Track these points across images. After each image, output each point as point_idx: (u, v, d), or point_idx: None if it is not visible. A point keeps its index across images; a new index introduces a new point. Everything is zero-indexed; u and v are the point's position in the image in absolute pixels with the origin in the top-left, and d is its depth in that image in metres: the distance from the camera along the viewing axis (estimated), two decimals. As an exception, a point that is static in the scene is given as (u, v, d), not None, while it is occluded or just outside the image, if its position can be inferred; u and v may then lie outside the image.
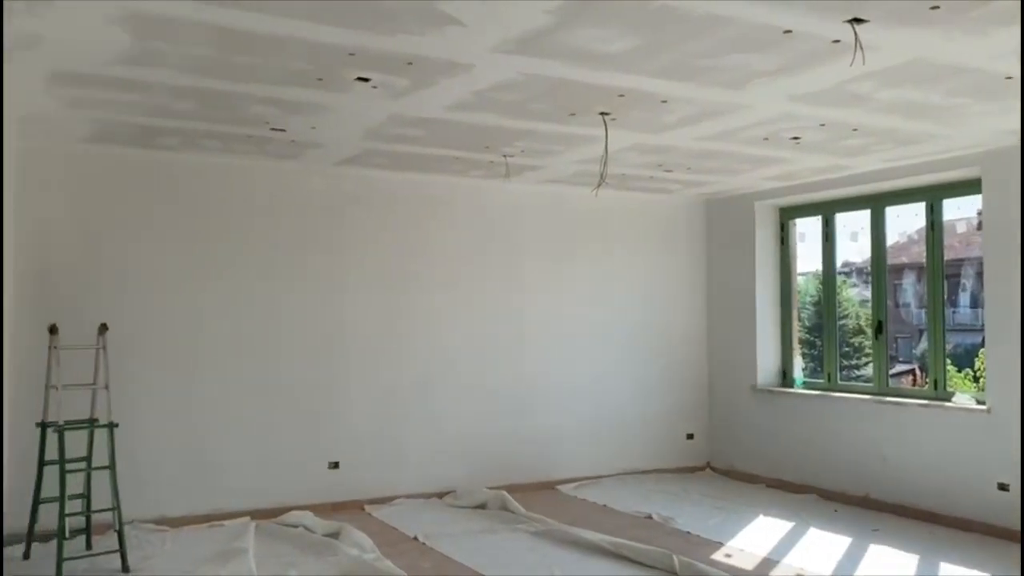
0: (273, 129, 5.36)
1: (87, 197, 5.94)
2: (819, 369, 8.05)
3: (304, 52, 3.81)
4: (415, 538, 5.75)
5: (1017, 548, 5.48)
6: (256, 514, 6.22)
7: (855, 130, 5.40)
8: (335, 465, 6.67)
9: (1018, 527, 5.65)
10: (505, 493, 6.68)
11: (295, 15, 3.36)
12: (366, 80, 4.27)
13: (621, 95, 4.53)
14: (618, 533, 5.73)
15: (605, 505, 6.81)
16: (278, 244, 6.53)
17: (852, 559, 5.35)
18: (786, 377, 7.90)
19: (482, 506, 6.64)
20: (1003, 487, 5.79)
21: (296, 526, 5.96)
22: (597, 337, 7.85)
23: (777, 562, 5.29)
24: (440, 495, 6.98)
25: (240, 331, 6.37)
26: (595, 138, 5.46)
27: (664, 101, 4.67)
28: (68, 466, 5.06)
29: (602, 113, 4.93)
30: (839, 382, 7.51)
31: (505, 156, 6.19)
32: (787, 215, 8.00)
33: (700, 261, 8.46)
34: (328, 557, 5.23)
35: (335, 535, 5.67)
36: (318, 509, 6.37)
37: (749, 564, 5.24)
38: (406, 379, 6.97)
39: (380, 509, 6.56)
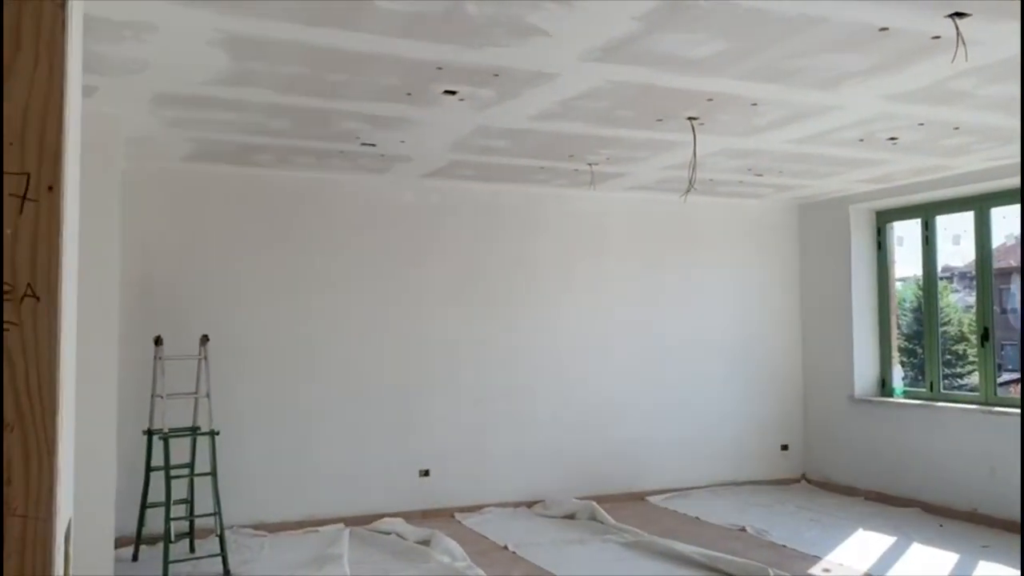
0: (364, 144, 5.48)
1: (187, 213, 6.20)
2: (920, 378, 7.72)
3: (393, 68, 3.89)
4: (505, 547, 5.76)
5: None
6: (349, 520, 6.35)
7: (956, 129, 5.18)
8: (425, 473, 6.75)
9: None
10: (594, 503, 6.64)
11: (385, 32, 3.43)
12: (453, 93, 4.33)
13: (710, 99, 4.47)
14: (711, 545, 5.62)
15: (697, 517, 6.68)
16: (368, 256, 6.68)
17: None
18: (885, 386, 7.61)
19: (571, 516, 6.61)
20: None
21: (388, 533, 6.06)
22: (687, 346, 7.74)
23: (879, 578, 5.10)
24: (529, 504, 6.99)
25: (333, 342, 6.53)
26: (682, 143, 5.40)
27: (754, 104, 4.58)
28: (172, 472, 5.28)
29: (690, 118, 4.86)
30: (942, 391, 7.19)
31: (590, 164, 6.18)
32: (884, 219, 7.72)
33: (793, 267, 8.25)
34: (420, 564, 5.29)
35: (426, 542, 5.73)
36: (409, 517, 6.46)
37: (849, 580, 5.07)
38: (494, 389, 7.02)
39: (469, 517, 6.60)
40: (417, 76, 4.03)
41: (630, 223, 7.57)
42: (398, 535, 5.99)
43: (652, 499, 7.32)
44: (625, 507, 6.99)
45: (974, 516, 6.41)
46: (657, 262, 7.66)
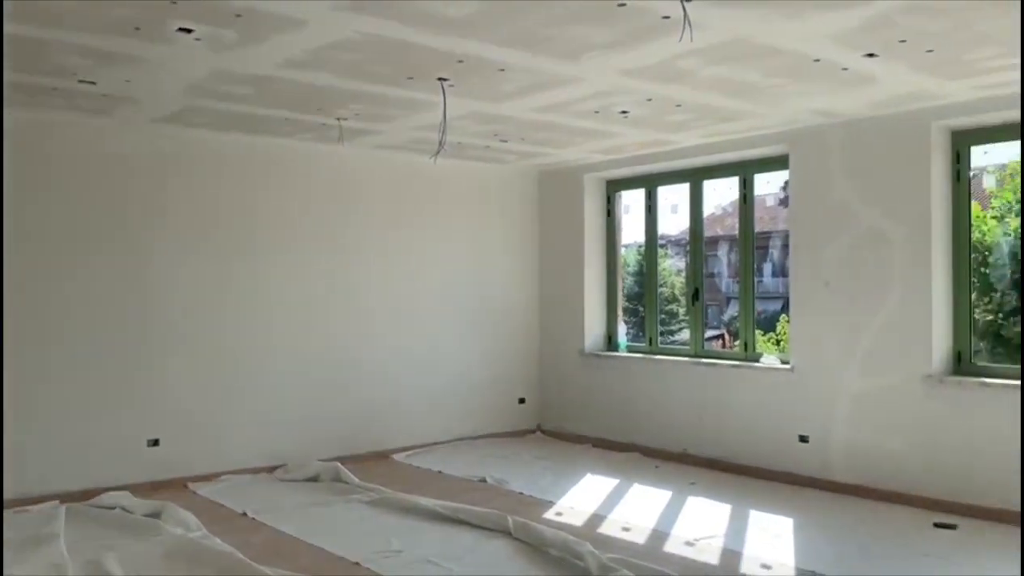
0: (82, 81, 4.92)
1: None
2: (641, 334, 8.46)
3: (121, -4, 3.52)
4: (244, 514, 5.55)
5: (818, 494, 6.06)
6: (65, 497, 5.78)
7: (678, 106, 5.66)
8: (155, 442, 6.30)
9: (817, 475, 6.24)
10: (338, 464, 6.58)
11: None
12: (189, 31, 4.01)
13: (460, 61, 4.51)
14: (453, 498, 5.80)
15: (440, 471, 6.86)
16: (87, 206, 6.03)
17: (672, 511, 5.70)
18: (611, 342, 8.26)
19: (314, 478, 6.50)
20: (803, 439, 6.35)
21: (113, 507, 5.59)
22: (431, 306, 7.85)
23: (604, 517, 5.54)
24: (270, 470, 6.77)
25: (51, 302, 5.85)
26: (433, 104, 5.42)
27: (502, 69, 4.69)
28: None
29: (441, 79, 4.89)
30: (659, 346, 7.93)
31: (339, 119, 6.02)
32: (613, 188, 8.31)
33: (533, 231, 8.64)
34: (150, 537, 4.95)
35: (156, 515, 5.37)
36: (136, 489, 6.01)
37: (579, 520, 5.46)
38: (232, 350, 6.68)
39: (205, 486, 6.28)
40: (148, 9, 3.67)
41: (378, 182, 7.50)
42: (124, 509, 5.54)
43: (396, 457, 7.40)
44: (370, 466, 7.00)
45: (684, 457, 7.17)
46: (403, 222, 7.67)
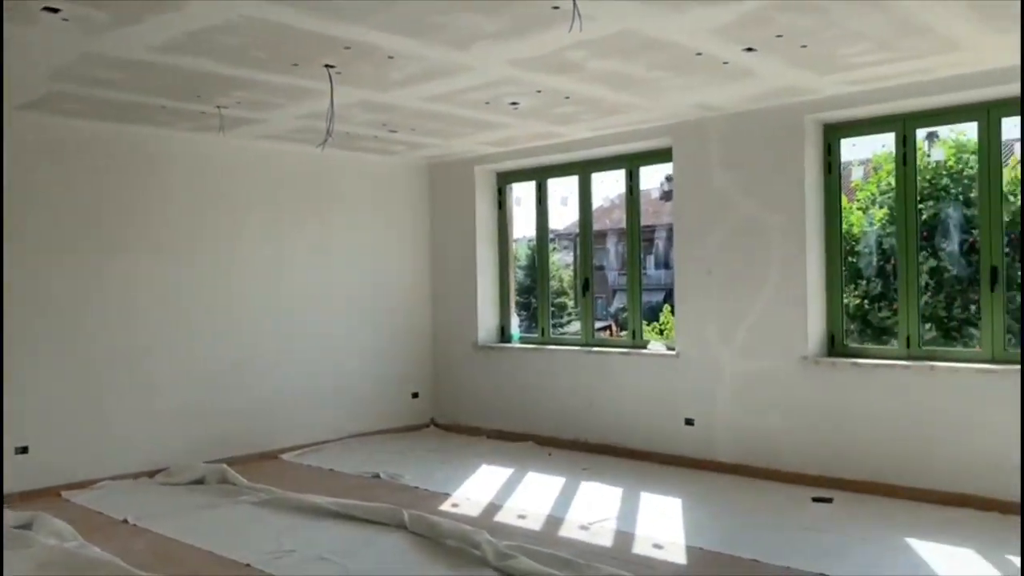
0: (-67, 62, 4.56)
1: None
2: (533, 325, 8.54)
3: (-23, -31, 3.28)
4: (125, 520, 5.29)
5: (704, 474, 6.27)
6: (-77, 512, 5.36)
7: (567, 98, 5.74)
8: (23, 450, 5.92)
9: (703, 456, 6.46)
10: (225, 466, 6.36)
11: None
12: (55, 11, 3.77)
13: (347, 47, 4.42)
14: (346, 495, 5.70)
15: (331, 469, 6.74)
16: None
17: (566, 496, 5.78)
18: (504, 334, 8.30)
19: (200, 481, 6.26)
20: (689, 422, 6.57)
21: (-24, 521, 5.22)
22: (321, 302, 7.68)
23: (500, 506, 5.57)
24: (151, 474, 6.48)
25: None
26: (320, 92, 5.29)
27: (391, 57, 4.63)
28: None
29: (327, 66, 4.77)
30: (551, 336, 8.03)
31: (220, 108, 5.80)
32: (504, 180, 8.34)
33: (424, 224, 8.58)
34: (21, 550, 4.64)
35: (27, 526, 5.04)
36: (4, 500, 5.63)
37: (475, 511, 5.47)
38: (109, 351, 6.34)
39: (81, 494, 5.94)
40: (9, -16, 3.44)
41: (263, 174, 7.27)
42: (-10, 522, 5.19)
43: (286, 457, 7.22)
44: (259, 467, 6.80)
45: (576, 444, 7.29)
46: (290, 215, 7.47)
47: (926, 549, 4.49)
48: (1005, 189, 5.84)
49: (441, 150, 7.80)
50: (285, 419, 7.40)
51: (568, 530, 5.02)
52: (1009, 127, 5.46)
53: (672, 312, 7.17)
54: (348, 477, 6.47)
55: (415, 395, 8.46)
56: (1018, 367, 5.13)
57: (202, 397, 6.85)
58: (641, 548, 4.65)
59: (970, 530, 4.77)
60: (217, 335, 6.96)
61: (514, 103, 5.83)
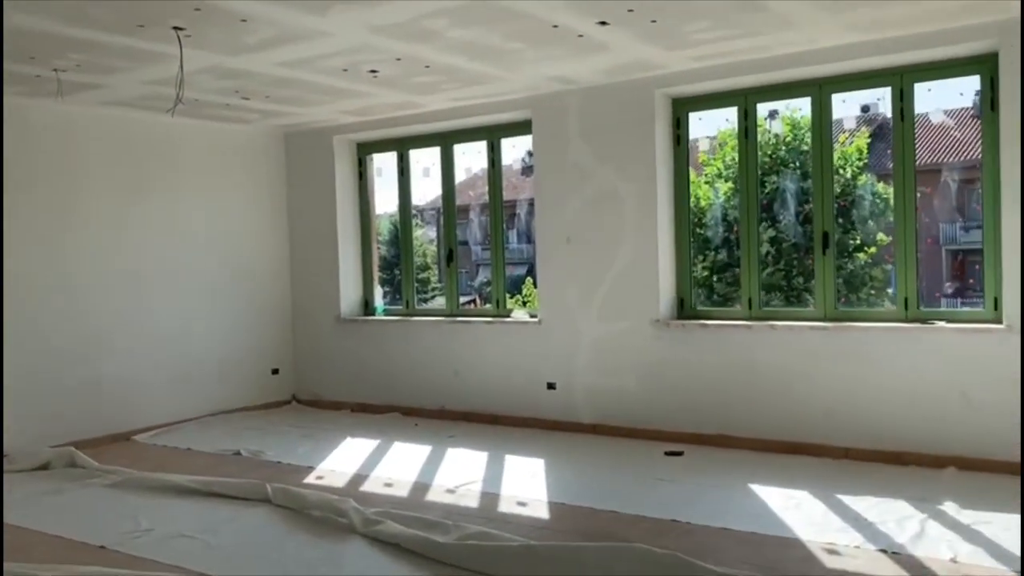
0: None
1: None
2: (398, 297, 8.53)
3: None
4: (-40, 511, 4.96)
5: (565, 436, 6.51)
6: None
7: (427, 67, 5.74)
8: None
9: (564, 418, 6.70)
10: (73, 449, 6.05)
11: None
12: None
13: (197, 9, 4.26)
14: (206, 473, 5.56)
15: (189, 448, 6.54)
16: None
17: (432, 463, 5.86)
18: (368, 306, 8.25)
19: (45, 467, 5.92)
20: (551, 386, 6.78)
21: None
22: (173, 276, 7.38)
23: (367, 476, 5.59)
24: (-11, 461, 6.08)
25: None
26: (168, 56, 5.07)
27: (244, 20, 4.50)
28: None
29: (176, 28, 4.58)
30: (416, 308, 8.05)
31: (56, 71, 5.45)
32: (364, 150, 8.25)
33: (281, 195, 8.36)
34: None
35: None
36: None
37: (341, 482, 5.46)
38: (-65, 331, 5.88)
39: (-92, 486, 5.51)
40: None
41: (107, 142, 6.88)
42: None
43: (139, 438, 6.93)
44: (110, 449, 6.52)
45: (442, 413, 7.38)
46: (137, 187, 7.11)
47: (766, 492, 4.86)
48: (836, 163, 6.32)
49: (298, 119, 7.62)
50: (138, 399, 7.09)
51: (435, 495, 5.11)
52: (838, 103, 5.91)
53: (535, 285, 7.34)
54: (207, 456, 6.30)
55: (275, 371, 8.28)
56: (848, 323, 5.62)
57: (44, 379, 6.46)
58: (506, 507, 4.80)
59: (805, 474, 5.20)
60: (60, 313, 6.56)
61: (373, 71, 5.78)
